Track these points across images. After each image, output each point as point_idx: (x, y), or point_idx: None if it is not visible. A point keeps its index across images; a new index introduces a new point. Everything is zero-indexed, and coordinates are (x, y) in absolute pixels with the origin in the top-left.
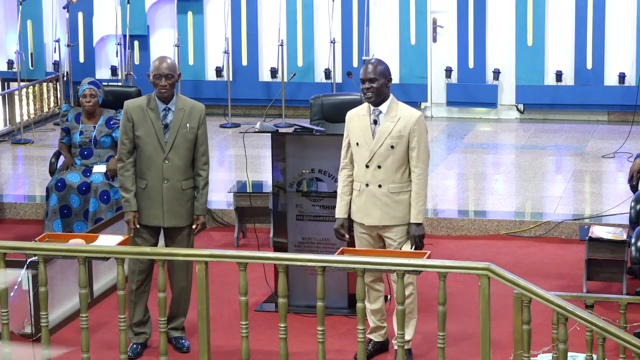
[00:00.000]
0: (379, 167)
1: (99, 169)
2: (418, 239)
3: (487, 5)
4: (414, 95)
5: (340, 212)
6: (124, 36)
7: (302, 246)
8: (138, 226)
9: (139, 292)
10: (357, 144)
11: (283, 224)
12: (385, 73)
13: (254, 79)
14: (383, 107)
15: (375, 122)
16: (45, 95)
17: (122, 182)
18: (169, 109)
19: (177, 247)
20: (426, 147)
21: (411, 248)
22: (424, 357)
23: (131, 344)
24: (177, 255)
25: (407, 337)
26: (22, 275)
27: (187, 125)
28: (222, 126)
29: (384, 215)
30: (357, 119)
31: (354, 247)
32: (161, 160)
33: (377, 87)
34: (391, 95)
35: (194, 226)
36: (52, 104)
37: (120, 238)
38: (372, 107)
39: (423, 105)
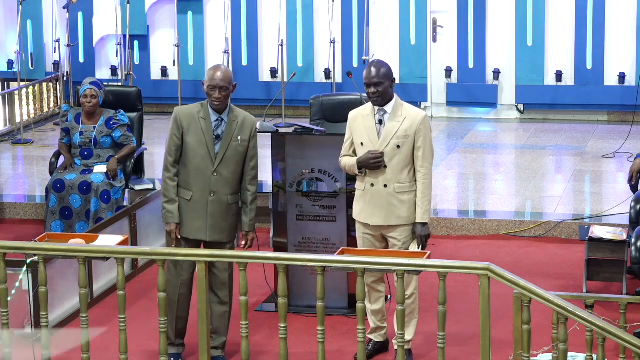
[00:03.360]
0: (385, 167)
1: (100, 169)
2: (424, 238)
3: (487, 5)
4: (414, 95)
5: (352, 160)
6: (124, 36)
7: (302, 246)
8: (180, 237)
9: (181, 304)
10: (362, 144)
11: (283, 224)
12: (389, 75)
13: (254, 79)
14: (388, 108)
15: (380, 122)
16: (45, 95)
17: (166, 192)
18: (222, 119)
19: (217, 265)
20: (431, 147)
21: (418, 248)
22: (424, 357)
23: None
24: (177, 255)
25: (408, 337)
26: (22, 275)
27: (239, 137)
28: None
29: (389, 215)
30: (361, 119)
31: (356, 247)
32: (210, 173)
33: (383, 90)
34: (395, 95)
35: (242, 242)
36: (52, 104)
37: (120, 238)
38: (376, 108)
39: (423, 105)
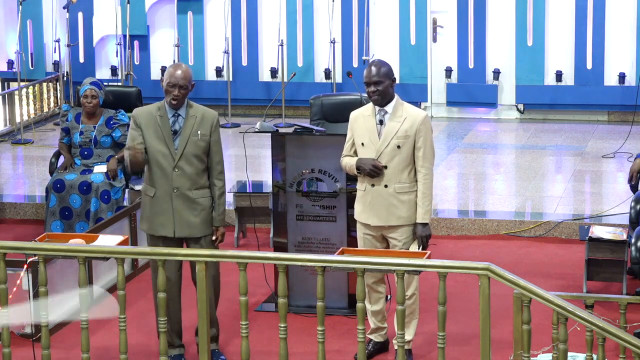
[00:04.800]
0: (385, 167)
1: (100, 169)
2: (425, 239)
3: (487, 5)
4: (414, 95)
5: (352, 160)
6: (124, 36)
7: (302, 246)
8: (138, 149)
9: (172, 303)
10: (363, 144)
11: (283, 224)
12: (389, 74)
13: (254, 79)
14: (389, 108)
15: (381, 122)
16: (45, 95)
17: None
18: (179, 115)
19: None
20: (432, 147)
21: (418, 248)
22: (424, 357)
23: (169, 356)
24: (177, 255)
25: (408, 337)
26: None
27: (199, 132)
28: (222, 126)
29: (389, 216)
30: (362, 119)
31: (356, 247)
32: (171, 169)
33: (383, 89)
34: (396, 96)
35: (213, 237)
36: (52, 104)
37: (120, 238)
38: (377, 108)
39: (423, 105)
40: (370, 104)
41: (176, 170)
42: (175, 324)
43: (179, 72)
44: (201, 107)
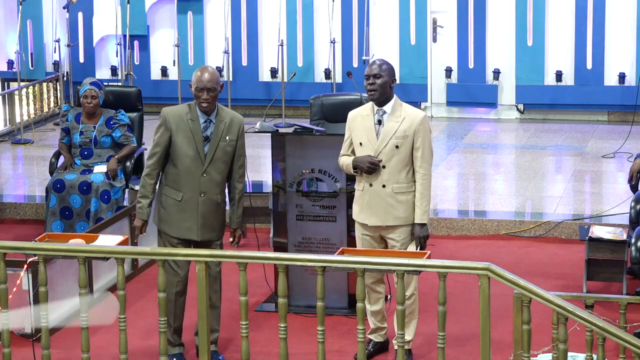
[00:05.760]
0: (383, 167)
1: (100, 169)
2: (423, 239)
3: (487, 5)
4: (414, 95)
5: (349, 159)
6: (124, 36)
7: (302, 246)
8: (144, 234)
9: (178, 301)
10: (361, 144)
11: (283, 224)
12: (390, 72)
13: (254, 79)
14: (387, 108)
15: (379, 122)
16: (45, 95)
17: (143, 188)
18: (210, 121)
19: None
20: (430, 147)
21: (416, 248)
22: (424, 357)
23: (170, 355)
24: (177, 255)
25: (408, 337)
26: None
27: (227, 137)
28: None
29: (387, 216)
30: (360, 119)
31: (356, 247)
32: (199, 173)
33: (381, 83)
34: (395, 96)
35: (231, 239)
36: (52, 104)
37: (120, 238)
38: (375, 107)
39: (423, 105)
40: (369, 104)
41: (204, 175)
42: (178, 320)
43: (206, 75)
44: (229, 110)
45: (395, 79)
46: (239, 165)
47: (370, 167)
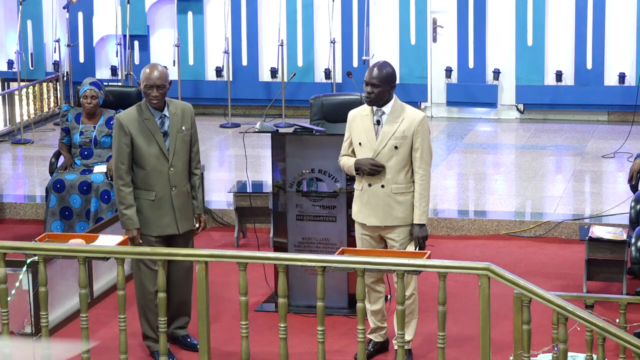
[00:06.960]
0: (384, 167)
1: (100, 169)
2: (421, 240)
3: (487, 5)
4: (414, 95)
5: (350, 161)
6: (124, 36)
7: (302, 246)
8: (141, 242)
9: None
10: (360, 144)
11: (283, 224)
12: (390, 79)
13: (254, 79)
14: (386, 108)
15: (378, 122)
16: (45, 95)
17: (122, 199)
18: (165, 116)
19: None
20: (429, 148)
21: (415, 249)
22: (424, 357)
23: (154, 351)
24: (177, 255)
25: (408, 337)
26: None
27: (183, 127)
28: (222, 126)
29: (386, 216)
30: (359, 119)
31: (355, 247)
32: (166, 169)
33: (377, 93)
34: (395, 96)
35: (196, 225)
36: (52, 104)
37: (120, 238)
38: (375, 108)
39: (423, 105)
40: None
41: (172, 169)
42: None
43: (155, 73)
44: (177, 101)
45: (394, 85)
46: (195, 151)
47: (373, 170)
